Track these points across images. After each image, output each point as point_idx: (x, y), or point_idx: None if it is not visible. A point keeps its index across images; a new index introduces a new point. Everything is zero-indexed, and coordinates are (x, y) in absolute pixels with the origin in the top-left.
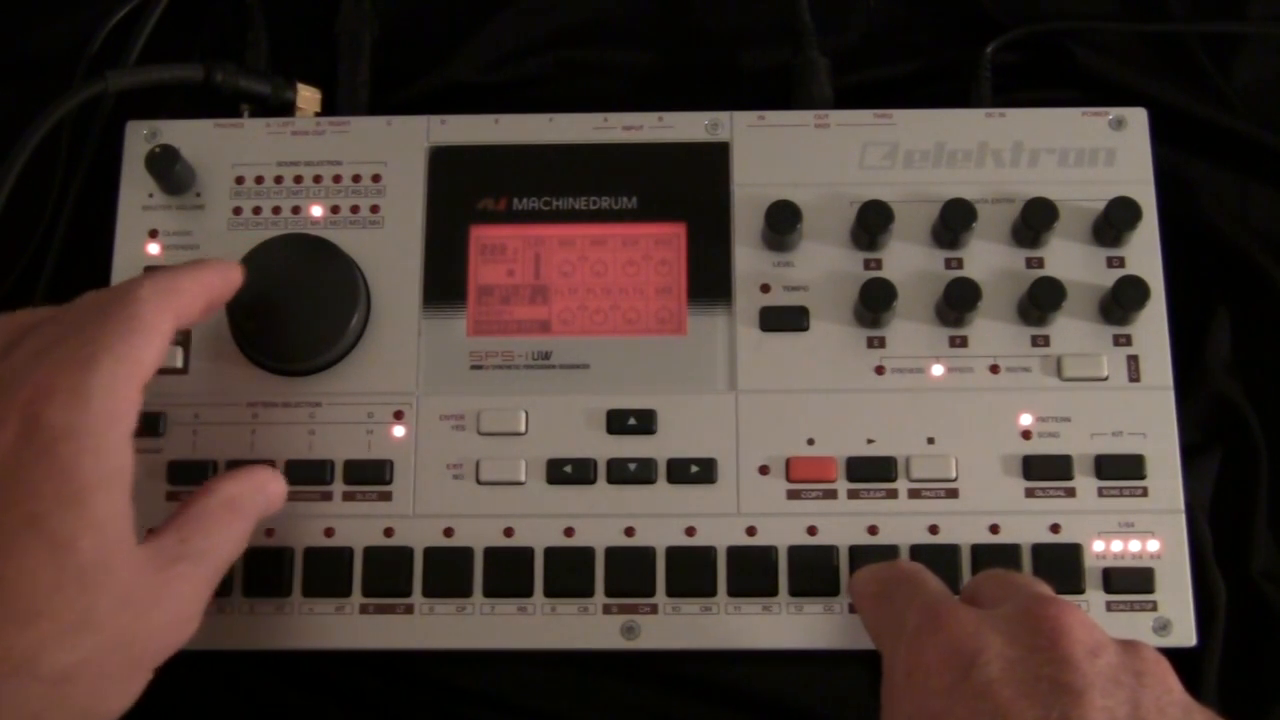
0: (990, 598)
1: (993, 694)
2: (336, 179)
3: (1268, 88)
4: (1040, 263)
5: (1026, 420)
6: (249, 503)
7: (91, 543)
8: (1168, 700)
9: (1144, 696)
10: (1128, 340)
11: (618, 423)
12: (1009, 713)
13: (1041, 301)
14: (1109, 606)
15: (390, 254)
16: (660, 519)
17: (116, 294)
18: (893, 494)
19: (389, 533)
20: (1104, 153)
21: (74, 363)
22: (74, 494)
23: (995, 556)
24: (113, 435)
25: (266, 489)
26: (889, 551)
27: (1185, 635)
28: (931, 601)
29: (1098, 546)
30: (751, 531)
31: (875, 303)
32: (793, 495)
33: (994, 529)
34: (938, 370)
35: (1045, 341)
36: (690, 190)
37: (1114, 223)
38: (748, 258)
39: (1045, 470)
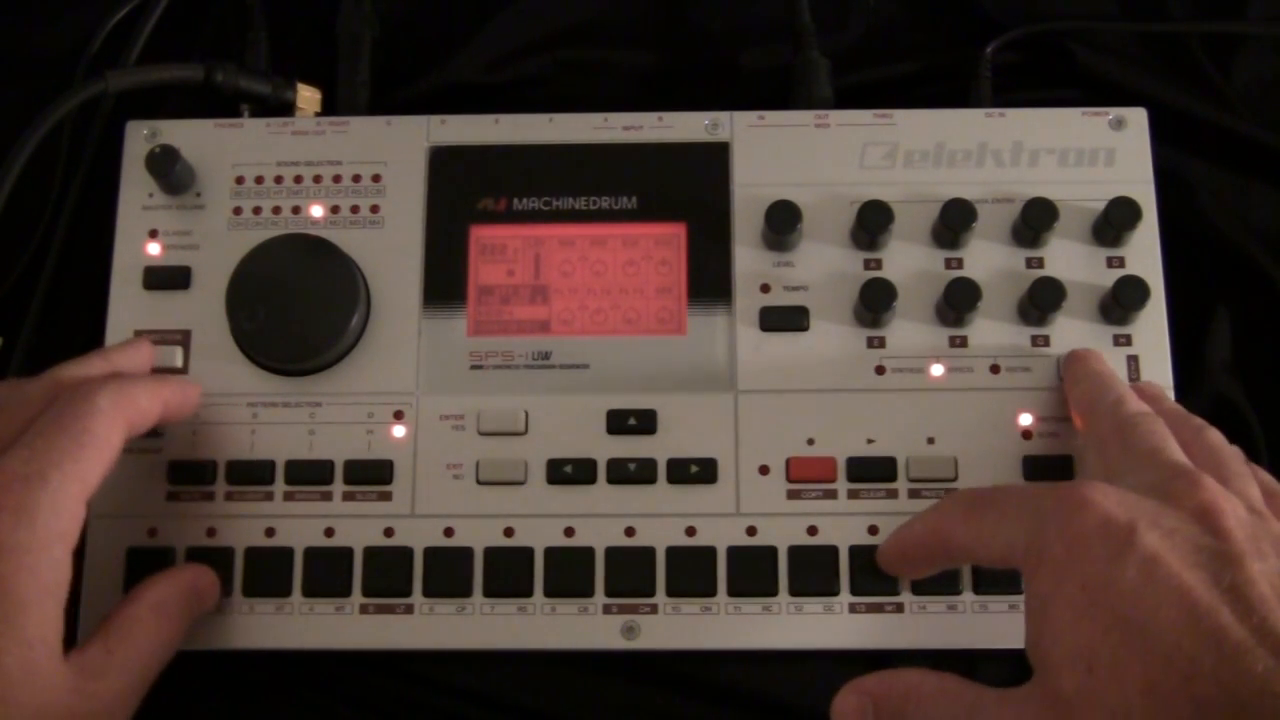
0: (1123, 471)
1: (1161, 561)
2: (336, 179)
3: (1268, 88)
4: (1040, 263)
5: (1026, 420)
6: (177, 606)
7: (17, 659)
8: None
9: (1275, 555)
10: (1128, 340)
11: (618, 423)
12: (1180, 580)
13: (1041, 301)
14: None
15: (390, 254)
16: (660, 519)
17: (73, 402)
18: (893, 494)
19: (389, 533)
20: (1104, 153)
21: (24, 478)
22: (5, 610)
23: None
24: (54, 552)
25: (197, 589)
26: None
27: None
28: (1062, 486)
29: None
30: (751, 531)
31: (875, 303)
32: (793, 495)
33: None
34: (938, 370)
35: (1045, 341)
36: (690, 190)
37: (1114, 223)
38: (748, 258)
39: (1045, 470)
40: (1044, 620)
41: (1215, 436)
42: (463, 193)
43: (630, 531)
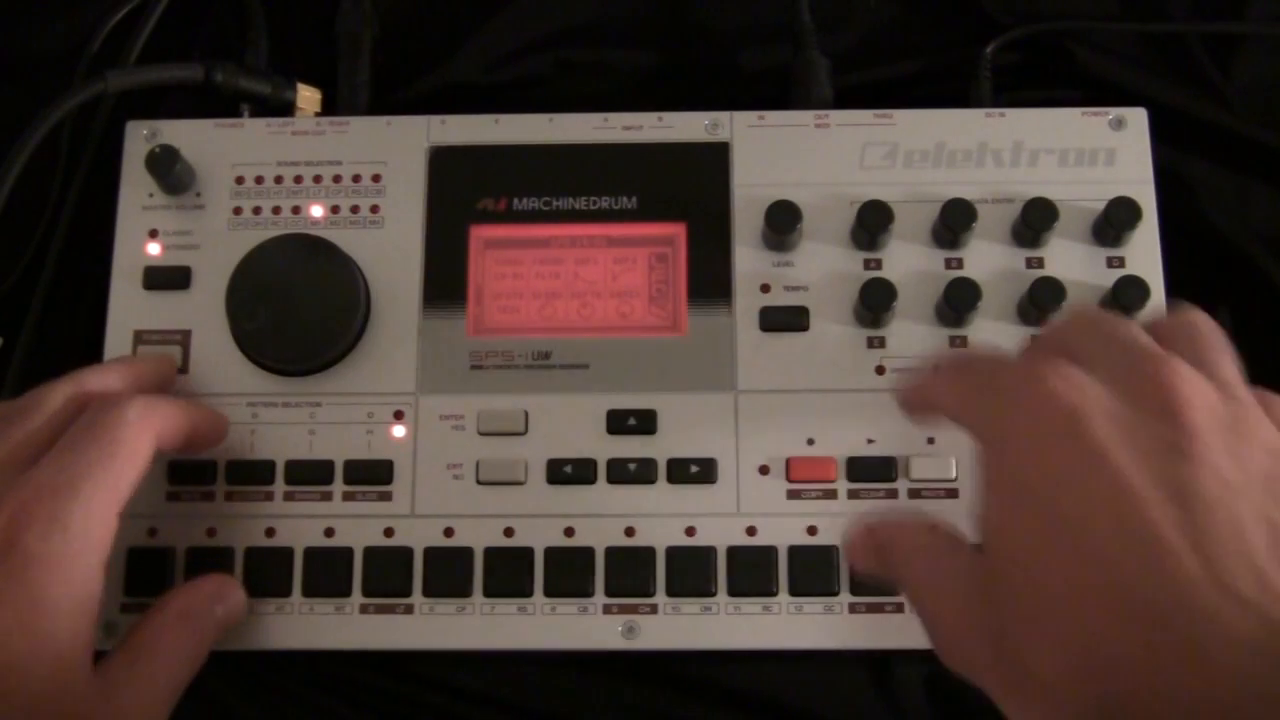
0: (1088, 355)
1: (1103, 454)
2: (336, 179)
3: (1268, 88)
4: (1040, 263)
5: None
6: (204, 616)
7: (47, 670)
8: (1261, 437)
9: (1247, 441)
10: None
11: (618, 423)
12: (1122, 475)
13: (1041, 301)
14: None
15: (390, 254)
16: (660, 519)
17: (104, 413)
18: (893, 494)
19: (389, 533)
20: (1104, 153)
21: (55, 488)
22: (36, 621)
23: None
24: (86, 563)
25: (224, 598)
26: None
27: None
28: (1028, 360)
29: None
30: (751, 531)
31: (875, 303)
32: (793, 495)
33: None
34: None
35: None
36: (690, 190)
37: (1114, 223)
38: (748, 258)
39: None
40: (985, 503)
41: (1192, 315)
42: (463, 193)
43: (630, 531)
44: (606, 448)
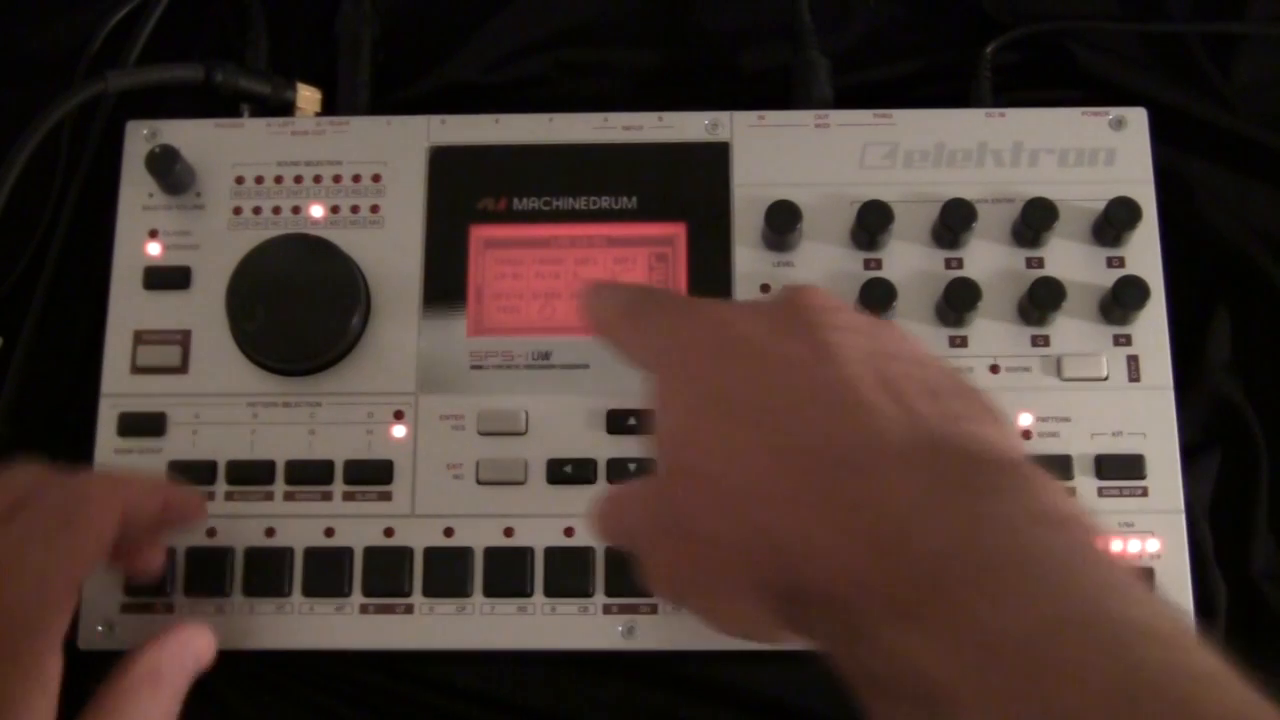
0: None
1: (753, 340)
2: (336, 179)
3: (1268, 88)
4: (1040, 263)
5: (1026, 420)
6: (173, 670)
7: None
8: (910, 344)
9: (887, 336)
10: (1128, 340)
11: (618, 423)
12: (769, 349)
13: (1041, 301)
14: None
15: (390, 254)
16: None
17: (64, 486)
18: None
19: (389, 533)
20: (1104, 153)
21: (9, 552)
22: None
23: None
24: (34, 644)
25: (192, 648)
26: None
27: None
28: (689, 299)
29: None
30: None
31: (875, 303)
32: None
33: None
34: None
35: (1045, 341)
36: (690, 190)
37: (1114, 223)
38: (748, 258)
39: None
40: (656, 431)
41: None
42: (463, 193)
43: None
44: (606, 448)
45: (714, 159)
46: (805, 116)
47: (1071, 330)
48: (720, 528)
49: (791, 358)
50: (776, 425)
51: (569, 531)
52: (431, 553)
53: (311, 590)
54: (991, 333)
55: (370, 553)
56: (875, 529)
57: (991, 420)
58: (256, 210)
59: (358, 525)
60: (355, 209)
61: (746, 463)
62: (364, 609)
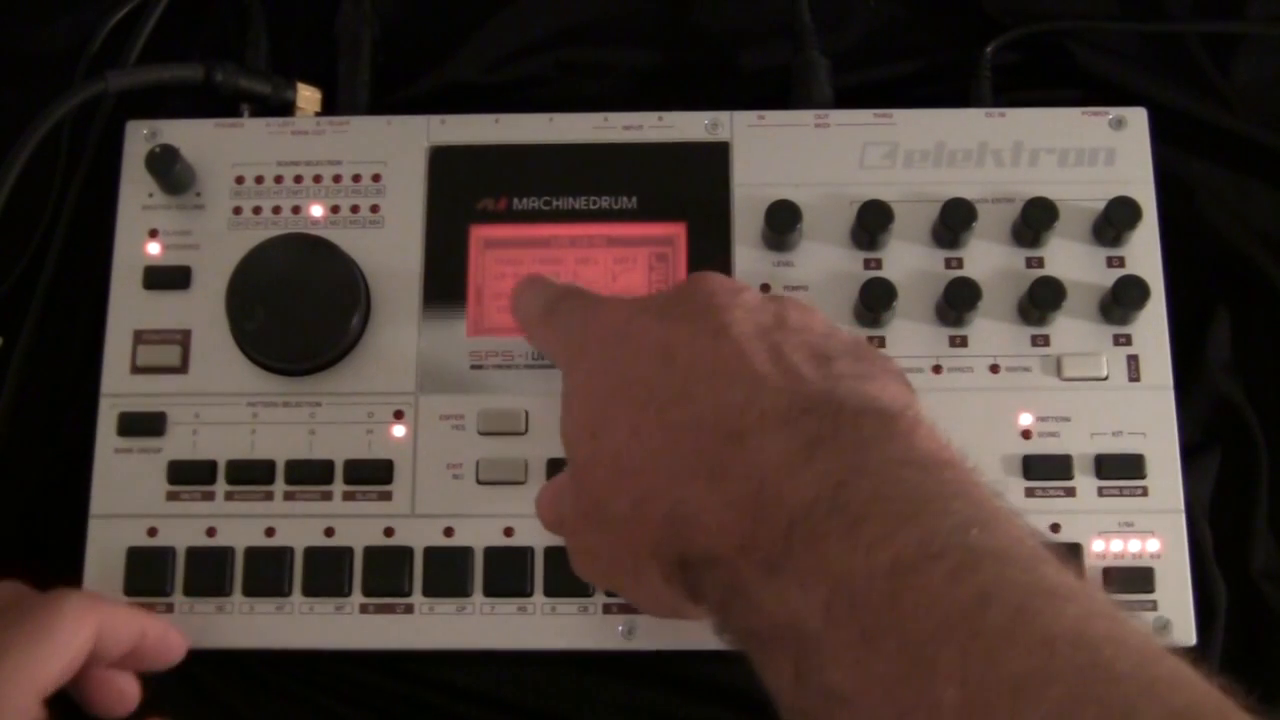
0: None
1: (652, 327)
2: (336, 179)
3: (1268, 88)
4: (1040, 263)
5: (1026, 420)
6: (118, 642)
7: None
8: (813, 317)
9: (788, 312)
10: (1128, 340)
11: None
12: (667, 331)
13: (1041, 301)
14: None
15: (390, 254)
16: None
17: (39, 600)
18: None
19: (389, 533)
20: (1104, 153)
21: None
22: None
23: None
24: None
25: (166, 645)
26: None
27: (1185, 635)
28: (597, 296)
29: (1097, 546)
30: None
31: (875, 303)
32: None
33: None
34: (938, 370)
35: (1045, 341)
36: (690, 190)
37: (1114, 222)
38: (748, 258)
39: (1045, 470)
40: (566, 413)
41: None
42: (463, 193)
43: None
44: None
45: (714, 159)
46: (805, 116)
47: (1071, 330)
48: (622, 505)
49: (685, 339)
50: (670, 402)
51: None
52: (431, 553)
53: (311, 590)
54: (991, 333)
55: (370, 552)
56: (751, 492)
57: (883, 376)
58: (256, 210)
59: (358, 525)
60: (355, 209)
61: (643, 441)
62: (364, 609)
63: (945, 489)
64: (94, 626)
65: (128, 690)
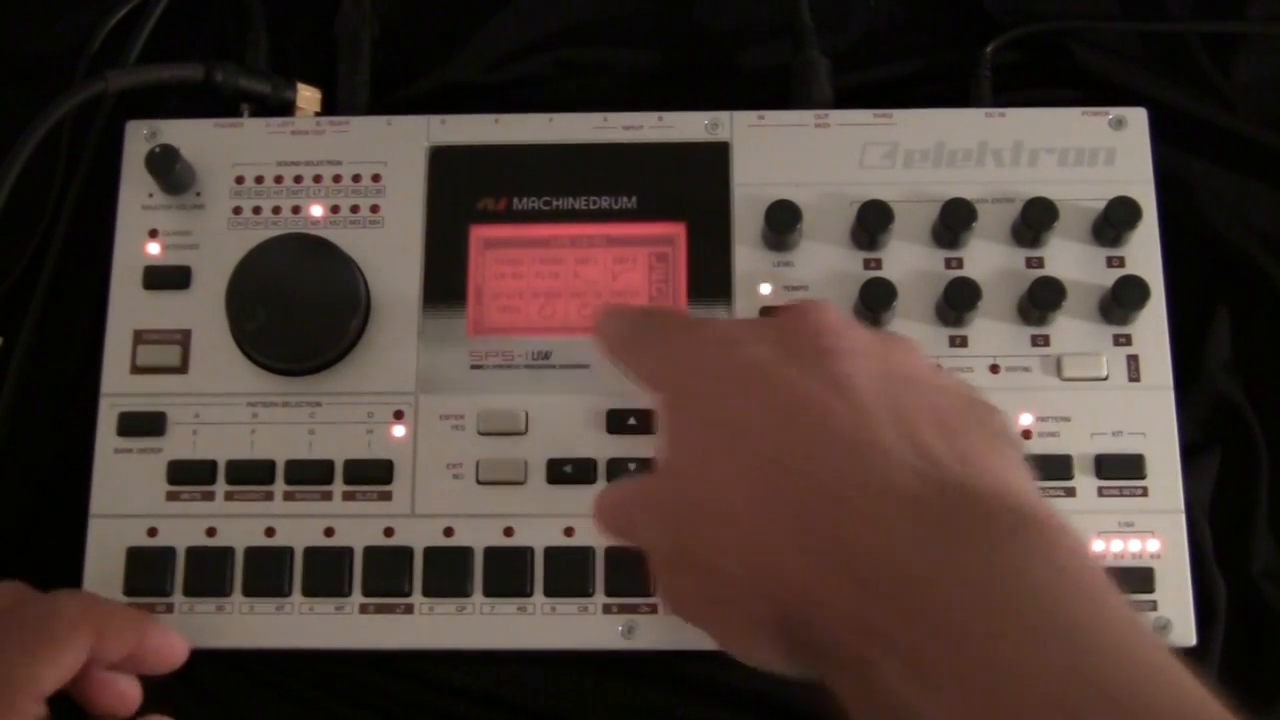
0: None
1: (762, 367)
2: (336, 179)
3: (1268, 88)
4: (1040, 263)
5: (1026, 420)
6: (118, 646)
7: None
8: (924, 364)
9: (901, 358)
10: (1128, 340)
11: (618, 423)
12: (781, 376)
13: (1041, 301)
14: None
15: (390, 254)
16: None
17: (38, 602)
18: None
19: (389, 533)
20: (1104, 153)
21: None
22: None
23: None
24: None
25: (166, 649)
26: None
27: (1185, 635)
28: (690, 319)
29: (1098, 546)
30: None
31: (875, 303)
32: None
33: None
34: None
35: (1045, 341)
36: (690, 190)
37: (1114, 223)
38: (748, 258)
39: (1045, 470)
40: (664, 452)
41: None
42: (463, 193)
43: None
44: (606, 448)
45: (714, 159)
46: (805, 116)
47: (1071, 330)
48: (725, 562)
49: (801, 390)
50: (785, 465)
51: (569, 531)
52: (431, 553)
53: (311, 590)
54: (991, 333)
55: (370, 552)
56: (882, 577)
57: (1004, 452)
58: (256, 210)
59: (358, 525)
60: (355, 209)
61: (753, 502)
62: (364, 609)
63: (1088, 603)
64: (93, 628)
65: (128, 692)
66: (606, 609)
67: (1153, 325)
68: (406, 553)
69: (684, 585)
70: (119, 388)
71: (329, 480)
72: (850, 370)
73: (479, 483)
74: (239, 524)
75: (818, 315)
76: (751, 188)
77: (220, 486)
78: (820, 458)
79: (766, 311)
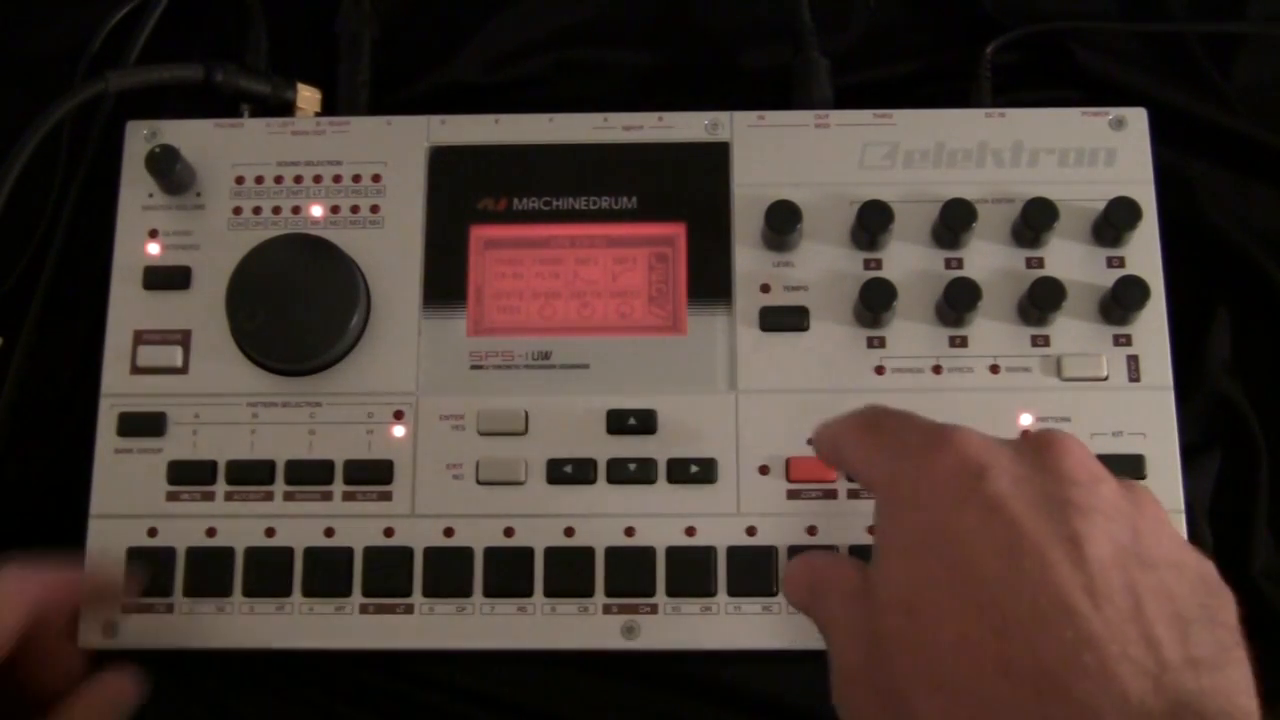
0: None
1: (1004, 507)
2: (336, 179)
3: (1268, 88)
4: (1040, 263)
5: (1026, 420)
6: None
7: None
8: (1163, 531)
9: (1142, 524)
10: (1128, 340)
11: (618, 423)
12: (1021, 526)
13: (1041, 301)
14: None
15: (390, 254)
16: (660, 519)
17: None
18: None
19: (389, 533)
20: (1104, 153)
21: None
22: None
23: None
24: None
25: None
26: None
27: None
28: (935, 423)
29: None
30: (751, 531)
31: (875, 303)
32: (793, 495)
33: None
34: (938, 370)
35: (1045, 341)
36: (690, 190)
37: (1114, 223)
38: (748, 258)
39: None
40: (880, 558)
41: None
42: (463, 193)
43: (630, 531)
44: (606, 448)
45: (714, 159)
46: (805, 116)
47: (1071, 330)
48: (925, 710)
49: (1036, 546)
50: (1012, 633)
51: (569, 531)
52: (432, 553)
53: (312, 590)
54: (991, 333)
55: (370, 553)
56: None
57: (1236, 659)
58: (256, 210)
59: (358, 525)
60: (355, 209)
61: (970, 662)
62: (364, 609)
63: None
64: (29, 601)
65: (69, 661)
66: (606, 609)
67: (1153, 325)
68: (407, 553)
69: (865, 706)
70: (119, 388)
71: (329, 480)
72: (1090, 534)
73: (479, 483)
74: (239, 524)
75: (1072, 461)
76: (751, 188)
77: (220, 487)
78: (1047, 637)
79: (768, 313)
